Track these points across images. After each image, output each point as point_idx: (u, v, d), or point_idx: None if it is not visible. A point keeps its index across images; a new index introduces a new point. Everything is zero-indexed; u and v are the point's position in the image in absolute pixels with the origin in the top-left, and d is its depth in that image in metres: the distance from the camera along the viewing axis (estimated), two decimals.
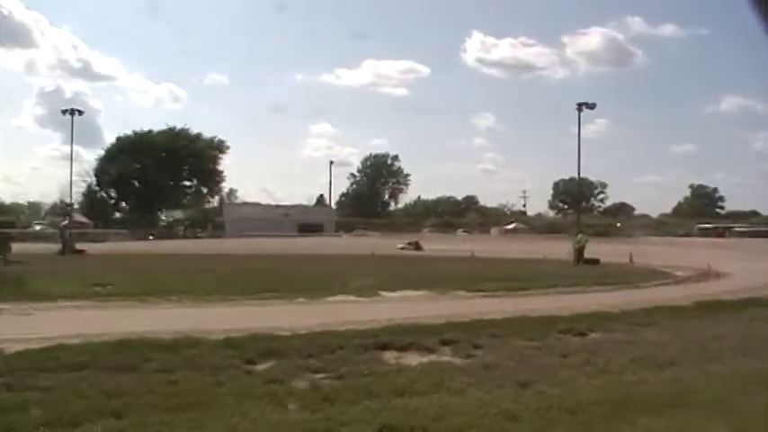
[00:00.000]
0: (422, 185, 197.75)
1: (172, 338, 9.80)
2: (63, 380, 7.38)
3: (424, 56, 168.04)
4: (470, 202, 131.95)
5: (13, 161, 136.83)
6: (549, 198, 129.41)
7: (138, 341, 9.49)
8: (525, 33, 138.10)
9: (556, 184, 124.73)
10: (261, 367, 8.54)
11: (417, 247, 52.25)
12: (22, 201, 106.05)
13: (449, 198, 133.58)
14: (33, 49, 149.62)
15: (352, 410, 6.46)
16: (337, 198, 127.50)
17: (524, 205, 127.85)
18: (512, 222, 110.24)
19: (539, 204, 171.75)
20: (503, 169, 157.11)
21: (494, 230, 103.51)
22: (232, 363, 8.59)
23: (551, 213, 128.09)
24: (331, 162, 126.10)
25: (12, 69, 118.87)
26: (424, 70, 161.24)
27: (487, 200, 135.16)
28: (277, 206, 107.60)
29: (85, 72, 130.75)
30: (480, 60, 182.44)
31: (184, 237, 76.84)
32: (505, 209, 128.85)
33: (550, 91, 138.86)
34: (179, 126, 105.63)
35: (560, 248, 38.23)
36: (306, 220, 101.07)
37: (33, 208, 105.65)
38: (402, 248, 50.23)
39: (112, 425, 5.94)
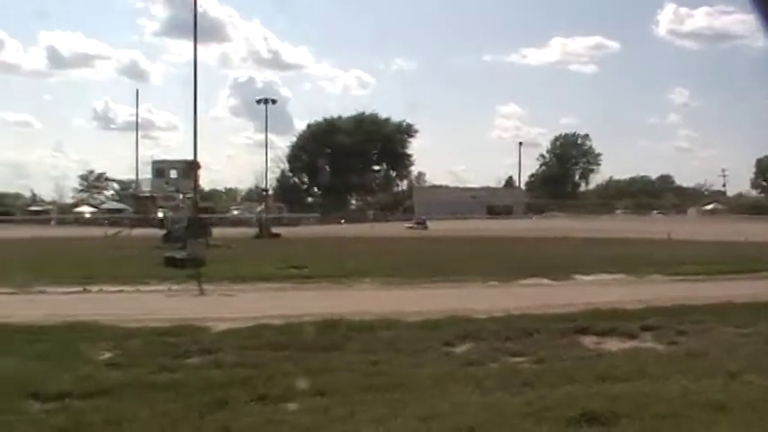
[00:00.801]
0: (613, 165, 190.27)
1: (371, 320, 10.09)
2: (268, 358, 7.80)
3: (614, 31, 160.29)
4: (665, 181, 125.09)
5: (211, 150, 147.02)
6: (752, 176, 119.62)
7: (338, 322, 9.85)
8: (723, 1, 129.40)
9: (759, 162, 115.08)
10: (459, 350, 8.59)
11: None
12: (220, 187, 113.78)
13: (642, 177, 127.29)
14: (227, 43, 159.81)
15: (553, 395, 6.33)
16: (526, 179, 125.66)
17: (724, 185, 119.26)
18: (711, 203, 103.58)
19: (739, 184, 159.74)
20: (698, 147, 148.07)
21: (691, 211, 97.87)
22: (430, 345, 8.68)
23: (754, 193, 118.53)
24: (520, 143, 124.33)
25: (207, 63, 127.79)
26: (614, 45, 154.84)
27: (683, 179, 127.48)
28: (465, 189, 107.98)
29: (275, 62, 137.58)
30: (673, 32, 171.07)
31: (374, 220, 79.04)
32: (703, 189, 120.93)
33: (751, 61, 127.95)
34: (368, 111, 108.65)
35: (765, 230, 35.29)
36: (495, 203, 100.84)
37: (230, 194, 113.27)
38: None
39: (317, 402, 6.18)
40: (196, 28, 31.23)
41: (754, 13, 2.65)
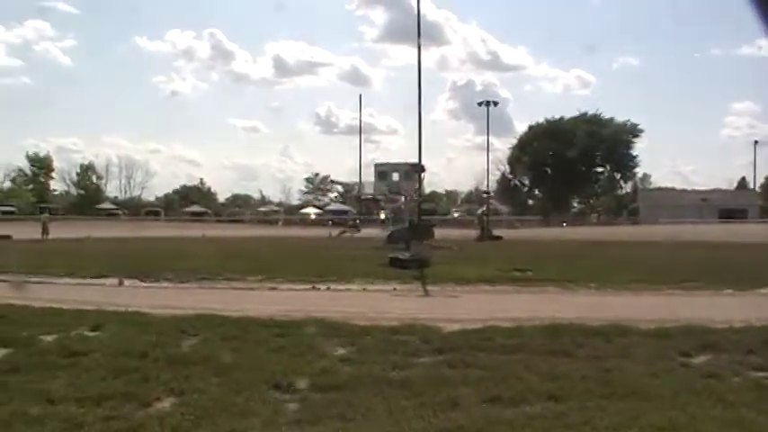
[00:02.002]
0: None
1: (601, 326, 9.87)
2: (499, 360, 7.86)
3: None
4: None
5: (430, 153, 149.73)
6: None
7: (568, 327, 9.75)
8: None
9: None
10: (696, 360, 8.15)
11: None
12: (440, 190, 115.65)
13: None
14: (445, 46, 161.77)
15: None
16: (762, 181, 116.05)
17: None
18: None
19: None
20: None
21: None
22: (665, 354, 8.34)
23: None
24: (755, 141, 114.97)
25: (427, 66, 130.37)
26: None
27: None
28: (694, 191, 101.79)
29: (494, 64, 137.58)
30: None
31: (598, 224, 76.73)
32: None
33: None
34: (590, 112, 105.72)
35: None
36: (727, 206, 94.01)
37: (450, 196, 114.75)
38: None
39: (551, 407, 6.17)
40: (419, 35, 31.89)
41: (754, 12, 2.64)
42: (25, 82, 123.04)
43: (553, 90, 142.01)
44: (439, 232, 39.56)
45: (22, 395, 6.70)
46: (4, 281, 17.18)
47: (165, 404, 6.42)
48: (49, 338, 8.72)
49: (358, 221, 64.96)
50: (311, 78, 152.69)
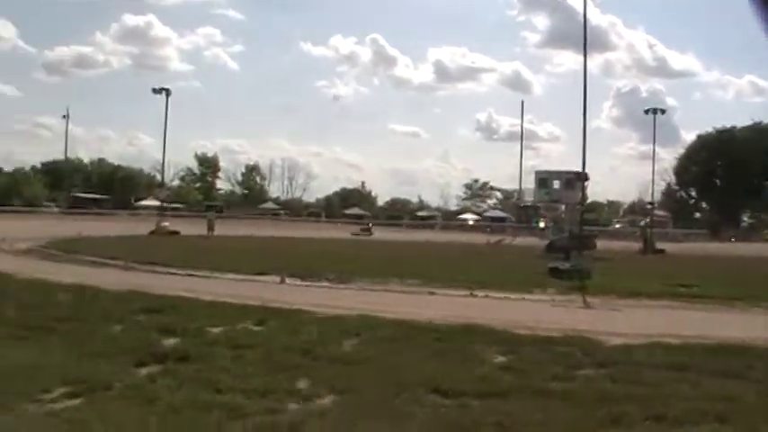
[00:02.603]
0: None
1: None
2: (664, 378, 7.56)
3: None
4: None
5: (592, 161, 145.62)
6: None
7: (738, 347, 9.22)
8: None
9: None
10: None
11: None
12: (601, 199, 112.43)
13: None
14: (610, 52, 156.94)
15: None
16: None
17: None
18: None
19: None
20: None
21: None
22: None
23: None
24: None
25: (590, 72, 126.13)
26: None
27: None
28: None
29: (661, 70, 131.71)
30: None
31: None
32: None
33: None
34: (765, 120, 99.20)
35: None
36: None
37: (612, 207, 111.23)
38: None
39: (718, 429, 5.88)
40: (585, 40, 31.18)
41: (754, 12, 2.64)
42: (196, 86, 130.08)
43: (724, 98, 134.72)
44: (600, 243, 38.47)
45: (190, 383, 7.10)
46: (175, 273, 18.33)
47: (326, 401, 6.62)
48: (216, 330, 9.19)
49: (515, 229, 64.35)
50: (472, 84, 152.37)
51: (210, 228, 47.45)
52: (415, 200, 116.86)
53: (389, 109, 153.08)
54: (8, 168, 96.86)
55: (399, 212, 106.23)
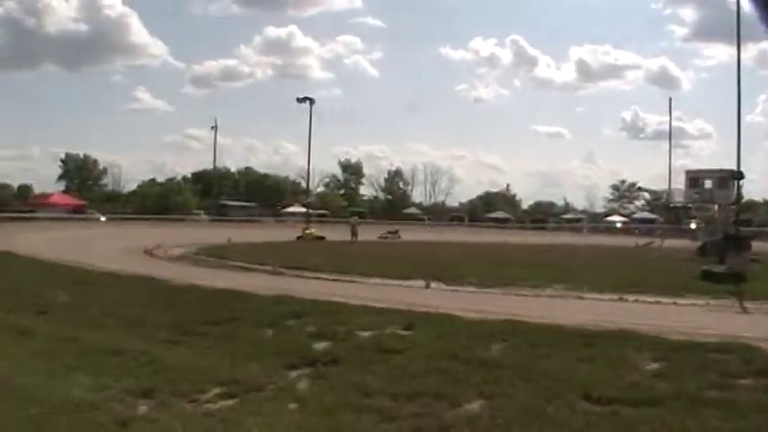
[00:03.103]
0: None
1: None
2: None
3: None
4: None
5: (747, 158, 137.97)
6: None
7: None
8: None
9: None
10: None
11: None
12: (757, 198, 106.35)
13: None
14: (765, 42, 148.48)
15: None
16: None
17: None
18: None
19: None
20: None
21: None
22: None
23: None
24: None
25: (743, 65, 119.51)
26: None
27: None
28: None
29: None
30: None
31: None
32: None
33: None
34: None
35: None
36: None
37: None
38: None
39: None
40: (739, 32, 29.64)
41: (754, 12, 2.63)
42: (337, 93, 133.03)
43: None
44: (756, 245, 36.38)
45: (340, 386, 7.23)
46: (322, 278, 18.76)
47: (475, 406, 6.56)
48: (365, 334, 9.31)
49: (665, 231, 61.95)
50: (616, 82, 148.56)
51: (354, 233, 48.44)
52: (560, 202, 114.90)
53: (531, 110, 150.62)
54: (161, 179, 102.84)
55: (544, 215, 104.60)
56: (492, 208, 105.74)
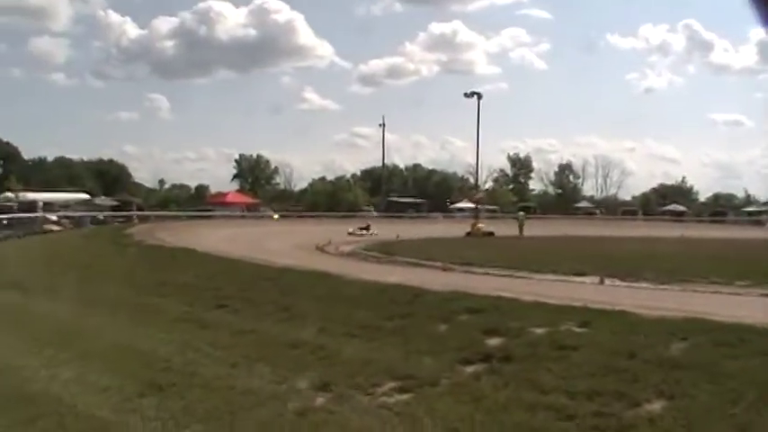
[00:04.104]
0: None
1: None
2: None
3: None
4: None
5: None
6: None
7: None
8: None
9: None
10: None
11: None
12: None
13: None
14: None
15: None
16: None
17: None
18: None
19: None
20: None
21: None
22: None
23: None
24: None
25: None
26: None
27: None
28: None
29: None
30: None
31: None
32: None
33: None
34: None
35: None
36: None
37: None
38: None
39: None
40: None
41: (754, 12, 2.64)
42: (503, 87, 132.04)
43: None
44: None
45: (515, 382, 7.21)
46: (492, 274, 18.71)
47: (656, 406, 6.37)
48: (539, 331, 9.19)
49: None
50: None
51: (521, 228, 48.08)
52: (740, 194, 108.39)
53: (707, 97, 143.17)
54: (330, 177, 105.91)
55: (723, 208, 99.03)
56: (667, 201, 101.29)
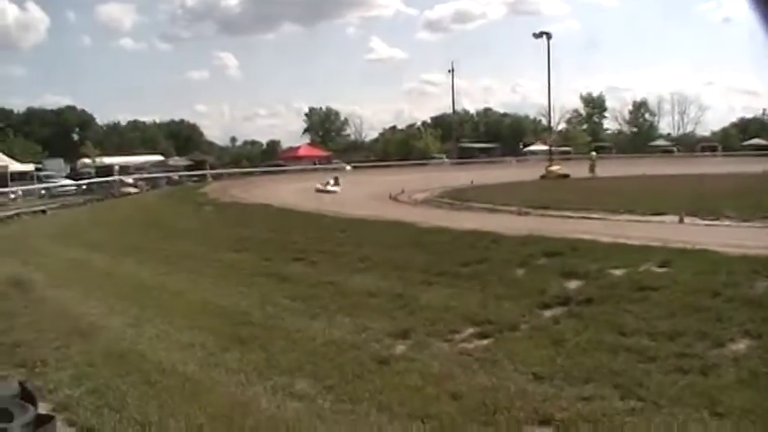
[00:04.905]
0: None
1: None
2: None
3: None
4: None
5: None
6: None
7: None
8: None
9: None
10: None
11: None
12: None
13: None
14: None
15: None
16: None
17: None
18: None
19: None
20: None
21: None
22: None
23: None
24: None
25: None
26: None
27: None
28: None
29: None
30: None
31: None
32: None
33: None
34: None
35: None
36: None
37: None
38: None
39: None
40: None
41: (754, 12, 2.61)
42: (573, 26, 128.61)
43: None
44: None
45: (595, 325, 7.22)
46: (568, 216, 18.52)
47: (741, 346, 6.32)
48: (619, 273, 9.14)
49: None
50: None
51: (592, 168, 47.30)
52: None
53: None
54: (401, 126, 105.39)
55: None
56: (748, 135, 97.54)
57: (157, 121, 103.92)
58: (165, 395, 6.19)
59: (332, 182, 40.95)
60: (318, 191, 38.19)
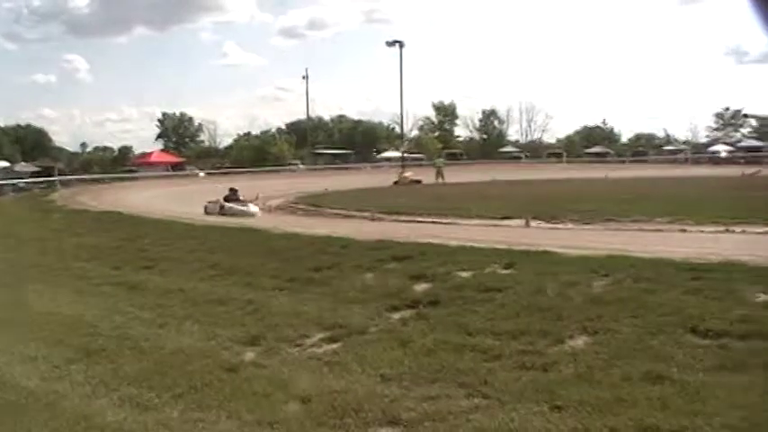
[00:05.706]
0: None
1: None
2: None
3: None
4: None
5: None
6: None
7: None
8: None
9: None
10: None
11: None
12: None
13: None
14: None
15: None
16: None
17: None
18: None
19: None
20: None
21: None
22: None
23: None
24: None
25: None
26: None
27: None
28: None
29: None
30: None
31: None
32: None
33: None
34: None
35: None
36: None
37: None
38: None
39: None
40: None
41: (754, 12, 2.62)
42: (426, 35, 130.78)
43: None
44: None
45: (442, 326, 7.38)
46: (420, 221, 18.88)
47: (579, 342, 6.60)
48: (465, 275, 9.38)
49: None
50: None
51: (440, 175, 48.55)
52: (661, 134, 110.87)
53: None
54: (255, 132, 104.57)
55: (644, 148, 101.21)
56: (590, 143, 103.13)
57: (2, 125, 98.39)
58: (4, 411, 5.85)
59: None
60: None
